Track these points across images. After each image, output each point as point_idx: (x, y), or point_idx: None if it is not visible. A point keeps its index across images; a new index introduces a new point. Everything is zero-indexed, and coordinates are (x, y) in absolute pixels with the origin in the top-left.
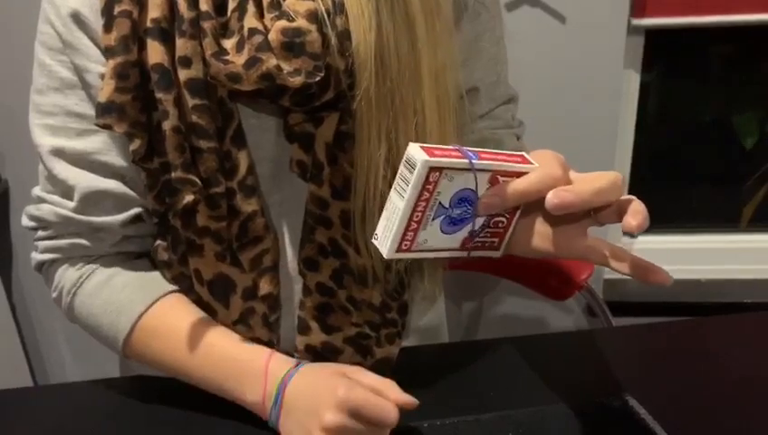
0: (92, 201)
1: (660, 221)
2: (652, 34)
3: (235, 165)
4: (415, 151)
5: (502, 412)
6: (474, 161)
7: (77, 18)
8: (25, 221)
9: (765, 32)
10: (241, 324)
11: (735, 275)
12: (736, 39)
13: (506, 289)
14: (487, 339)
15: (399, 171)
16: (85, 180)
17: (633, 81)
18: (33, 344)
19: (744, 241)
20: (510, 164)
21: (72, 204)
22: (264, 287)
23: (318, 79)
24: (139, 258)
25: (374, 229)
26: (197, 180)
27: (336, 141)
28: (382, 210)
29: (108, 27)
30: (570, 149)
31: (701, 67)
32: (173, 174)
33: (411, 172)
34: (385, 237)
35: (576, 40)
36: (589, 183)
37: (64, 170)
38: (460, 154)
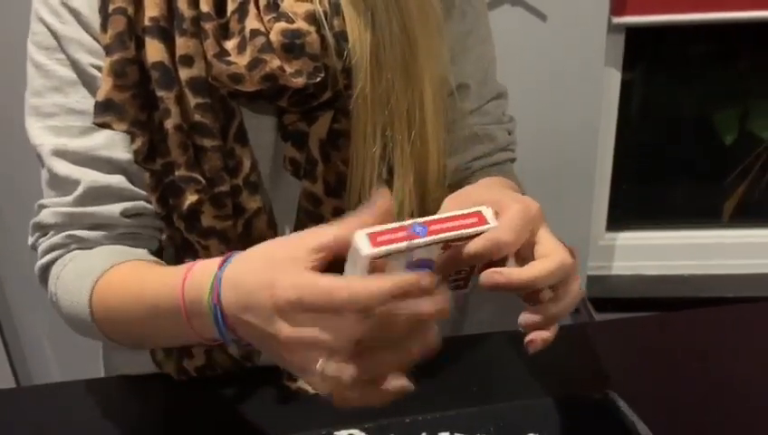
0: (94, 196)
1: (643, 218)
2: (633, 33)
3: (238, 162)
4: (359, 240)
5: (483, 407)
6: (414, 242)
7: (73, 12)
8: (30, 240)
9: (744, 29)
10: None
11: (718, 271)
12: (716, 37)
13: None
14: (470, 335)
15: (351, 247)
16: (88, 176)
17: (614, 78)
18: (16, 345)
19: (725, 236)
20: (458, 232)
21: (70, 198)
22: None
23: (319, 80)
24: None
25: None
26: (201, 179)
27: (330, 139)
28: None
29: (104, 26)
30: (552, 147)
31: (682, 65)
32: (176, 173)
33: (358, 257)
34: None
35: (557, 38)
36: (531, 268)
37: (66, 169)
38: (404, 234)
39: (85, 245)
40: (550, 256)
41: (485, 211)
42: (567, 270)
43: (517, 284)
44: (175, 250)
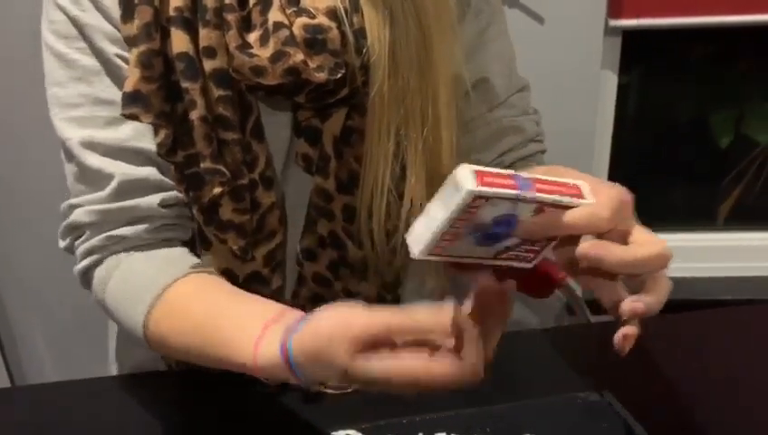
0: (128, 189)
1: (639, 220)
2: (630, 37)
3: (254, 157)
4: (463, 175)
5: (479, 408)
6: (522, 193)
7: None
8: (60, 243)
9: (741, 33)
10: None
11: (713, 273)
12: (712, 40)
13: None
14: None
15: (445, 184)
16: (120, 169)
17: (611, 81)
18: (11, 344)
19: (721, 239)
20: (560, 197)
21: (105, 193)
22: (276, 281)
23: (339, 76)
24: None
25: (381, 223)
26: (226, 171)
27: (343, 136)
28: (389, 205)
29: (128, 16)
30: (548, 149)
31: (678, 68)
32: (202, 165)
33: (456, 192)
34: (418, 240)
35: (554, 40)
36: (634, 249)
37: (98, 161)
38: (512, 182)
39: (127, 244)
40: (649, 243)
41: (584, 187)
42: (665, 260)
43: (618, 261)
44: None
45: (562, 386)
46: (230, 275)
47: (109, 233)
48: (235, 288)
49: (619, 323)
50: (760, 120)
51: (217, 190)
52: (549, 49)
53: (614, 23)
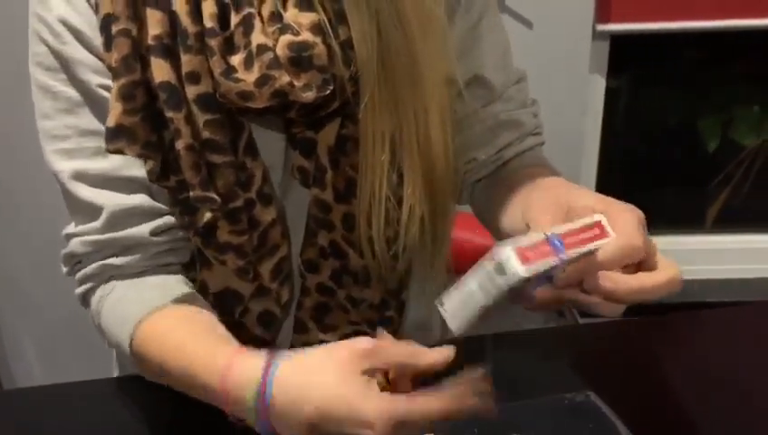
0: (120, 218)
1: None
2: (619, 42)
3: (250, 175)
4: (506, 257)
5: None
6: (561, 257)
7: (73, 31)
8: (63, 268)
9: (728, 37)
10: (238, 328)
11: (701, 276)
12: (701, 45)
13: None
14: (450, 338)
15: (486, 264)
16: (111, 200)
17: (599, 85)
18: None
19: (708, 242)
20: (593, 245)
21: (98, 224)
22: (284, 295)
23: (328, 92)
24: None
25: (380, 231)
26: (216, 198)
27: (338, 145)
28: (388, 212)
29: (107, 45)
30: None
31: (666, 73)
32: (191, 193)
33: (500, 275)
34: (457, 316)
35: (543, 45)
36: (641, 279)
37: (88, 193)
38: (549, 249)
39: (121, 271)
40: (662, 269)
41: (604, 221)
42: (676, 286)
43: (628, 291)
44: (190, 261)
45: (549, 387)
46: (235, 294)
47: (103, 262)
48: (211, 323)
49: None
50: (747, 124)
51: (209, 216)
52: (537, 53)
53: (602, 27)
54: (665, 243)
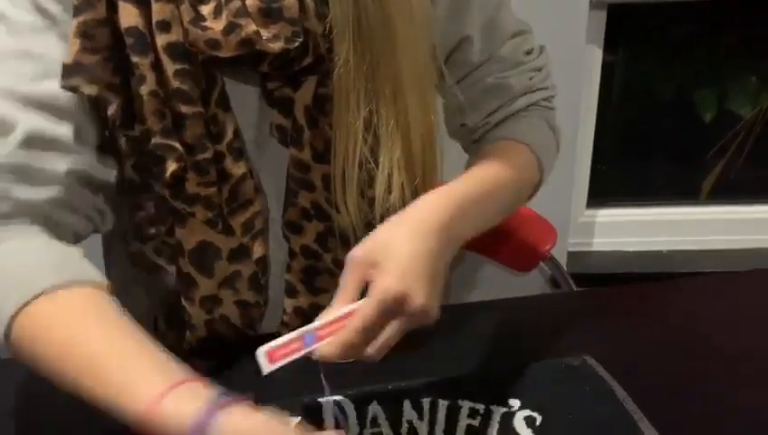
0: (36, 145)
1: (623, 195)
2: (615, 14)
3: (221, 128)
4: (258, 356)
5: (464, 374)
6: (312, 347)
7: None
8: None
9: (724, 9)
10: (227, 288)
11: (696, 246)
12: (696, 16)
13: (471, 261)
14: (451, 304)
15: (260, 351)
16: (30, 121)
17: (596, 56)
18: None
19: (704, 213)
20: (335, 335)
21: (8, 140)
22: (258, 250)
23: (297, 44)
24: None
25: (354, 192)
26: (179, 146)
27: (315, 104)
28: (362, 174)
29: None
30: None
31: (662, 44)
32: (153, 140)
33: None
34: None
35: (539, 15)
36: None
37: (7, 108)
38: (302, 344)
39: (22, 210)
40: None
41: (358, 310)
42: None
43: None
44: (157, 215)
45: (546, 351)
46: (213, 250)
47: (6, 194)
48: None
49: None
50: (743, 95)
51: (173, 166)
52: (533, 23)
53: None
54: (660, 214)
